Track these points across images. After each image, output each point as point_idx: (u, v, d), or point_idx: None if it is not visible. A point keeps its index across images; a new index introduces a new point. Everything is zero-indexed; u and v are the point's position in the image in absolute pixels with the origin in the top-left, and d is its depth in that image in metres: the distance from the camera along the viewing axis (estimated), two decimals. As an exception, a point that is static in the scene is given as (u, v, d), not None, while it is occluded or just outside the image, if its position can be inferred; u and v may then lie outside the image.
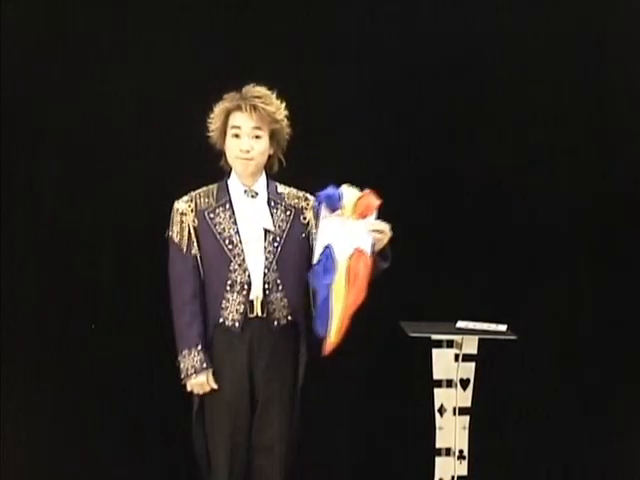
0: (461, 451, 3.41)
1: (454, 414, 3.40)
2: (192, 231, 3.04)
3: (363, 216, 2.89)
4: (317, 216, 2.94)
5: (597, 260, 3.94)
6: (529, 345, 3.71)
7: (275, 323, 3.05)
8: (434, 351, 3.40)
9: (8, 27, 3.71)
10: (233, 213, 3.05)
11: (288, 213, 3.09)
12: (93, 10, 3.76)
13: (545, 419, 3.97)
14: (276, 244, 3.04)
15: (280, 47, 3.79)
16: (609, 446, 3.96)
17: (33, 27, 3.74)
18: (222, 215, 3.05)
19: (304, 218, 3.11)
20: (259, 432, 3.07)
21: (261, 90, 3.02)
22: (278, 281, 3.04)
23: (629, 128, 3.95)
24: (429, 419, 3.44)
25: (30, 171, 3.77)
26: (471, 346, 3.38)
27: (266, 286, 3.03)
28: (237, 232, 3.03)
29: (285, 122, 3.06)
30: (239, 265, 3.01)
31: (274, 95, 3.03)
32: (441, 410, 3.42)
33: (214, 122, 3.05)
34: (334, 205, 2.89)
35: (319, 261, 2.85)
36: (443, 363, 3.40)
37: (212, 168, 3.12)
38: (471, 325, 3.44)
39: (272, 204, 3.08)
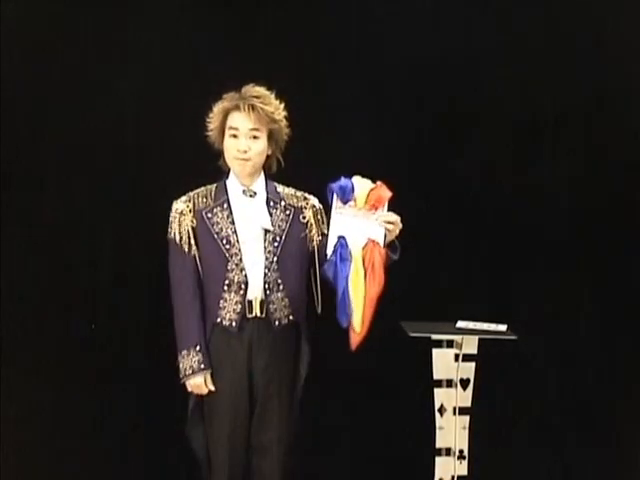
0: (461, 451, 3.41)
1: (454, 414, 3.41)
2: (190, 231, 3.04)
3: (375, 208, 2.93)
4: (329, 206, 2.96)
5: (597, 260, 3.94)
6: (529, 345, 3.71)
7: (276, 323, 3.05)
8: (434, 351, 3.40)
9: (8, 27, 3.71)
10: (231, 213, 3.05)
11: (287, 213, 3.09)
12: (93, 10, 3.76)
13: (545, 419, 3.97)
14: (276, 244, 3.04)
15: (280, 47, 3.79)
16: (609, 446, 3.96)
17: (33, 27, 3.75)
18: (220, 215, 3.05)
19: (303, 217, 3.11)
20: (258, 432, 3.08)
21: (260, 90, 3.03)
22: (279, 281, 3.04)
23: (629, 128, 3.95)
24: (429, 419, 3.44)
25: (30, 171, 3.77)
26: (471, 346, 3.38)
27: (267, 286, 3.03)
28: (235, 232, 3.03)
29: (284, 122, 3.06)
30: (236, 265, 3.01)
31: (273, 95, 3.04)
32: (441, 410, 3.42)
33: (212, 122, 3.06)
34: (346, 196, 2.92)
35: (334, 251, 2.87)
36: (443, 363, 3.40)
37: (212, 168, 3.13)
38: (471, 325, 3.45)
39: (271, 204, 3.08)
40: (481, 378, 3.40)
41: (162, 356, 3.28)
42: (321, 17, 3.85)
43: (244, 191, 3.07)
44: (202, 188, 3.11)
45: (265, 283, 3.03)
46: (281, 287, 3.05)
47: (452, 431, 3.41)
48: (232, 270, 3.01)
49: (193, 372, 3.03)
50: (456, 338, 3.39)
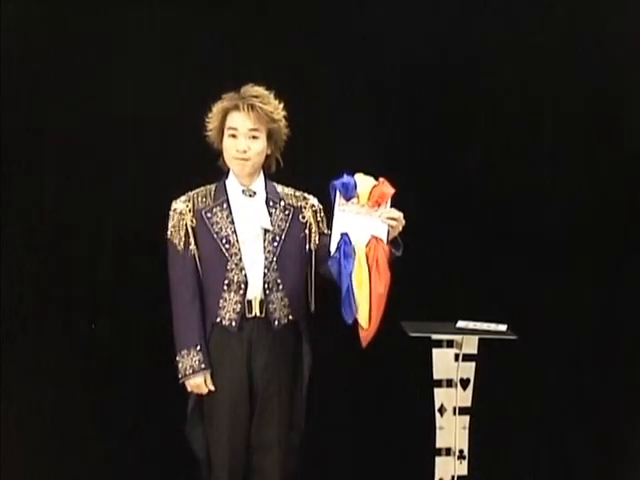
0: (461, 451, 3.41)
1: (454, 414, 3.41)
2: (190, 231, 3.04)
3: (378, 204, 2.94)
4: (332, 204, 2.96)
5: (597, 260, 3.94)
6: (529, 345, 3.71)
7: (276, 323, 3.05)
8: (434, 351, 3.40)
9: (8, 27, 3.71)
10: (230, 212, 3.05)
11: (287, 212, 3.09)
12: (93, 10, 3.76)
13: (545, 419, 3.97)
14: (276, 244, 3.04)
15: (279, 47, 3.78)
16: (609, 446, 3.96)
17: (33, 27, 3.75)
18: (219, 214, 3.05)
19: (303, 217, 3.11)
20: (258, 432, 3.08)
21: (259, 90, 3.03)
22: (278, 281, 3.04)
23: (629, 128, 3.95)
24: (429, 419, 3.44)
25: (30, 171, 3.77)
26: (471, 346, 3.38)
27: (266, 286, 3.03)
28: (234, 231, 3.03)
29: (283, 122, 3.06)
30: (236, 264, 3.01)
31: (272, 95, 3.04)
32: (441, 410, 3.42)
33: (212, 122, 3.06)
34: (349, 193, 2.93)
35: (338, 248, 2.88)
36: (443, 363, 3.40)
37: (211, 168, 3.12)
38: (471, 325, 3.45)
39: (270, 204, 3.08)
40: (481, 378, 3.40)
41: (162, 356, 3.27)
42: (321, 17, 3.85)
43: (243, 191, 3.07)
44: (201, 188, 3.11)
45: (265, 283, 3.03)
46: (281, 287, 3.05)
47: (452, 431, 3.41)
48: (232, 270, 3.01)
49: (193, 372, 3.03)
50: (456, 338, 3.39)
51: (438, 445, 3.42)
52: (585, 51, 3.92)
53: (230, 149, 3.03)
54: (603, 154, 3.94)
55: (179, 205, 3.07)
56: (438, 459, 3.42)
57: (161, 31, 3.80)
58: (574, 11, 3.91)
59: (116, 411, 3.80)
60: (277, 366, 3.07)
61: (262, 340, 3.04)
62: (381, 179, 2.96)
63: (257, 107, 2.97)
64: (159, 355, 3.41)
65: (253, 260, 3.03)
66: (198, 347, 3.02)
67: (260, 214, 3.06)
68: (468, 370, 3.40)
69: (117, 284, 3.82)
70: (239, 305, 3.02)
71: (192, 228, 3.04)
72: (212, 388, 3.05)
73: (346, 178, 2.94)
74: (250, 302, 3.02)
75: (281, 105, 3.05)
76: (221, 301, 3.02)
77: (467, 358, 3.39)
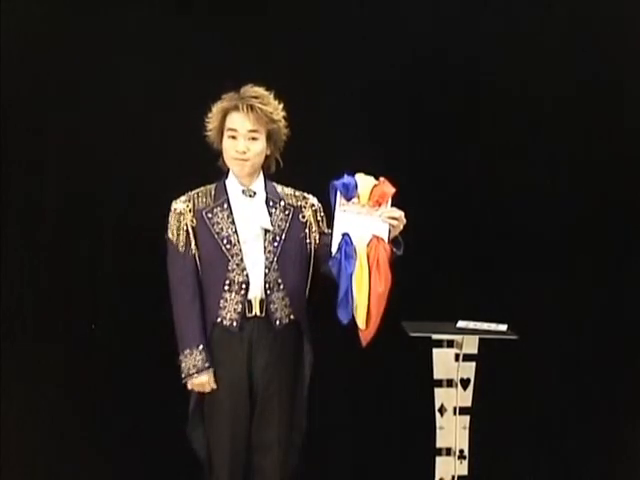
0: (461, 451, 3.41)
1: (454, 414, 3.41)
2: (190, 231, 3.03)
3: (378, 204, 2.93)
4: (333, 204, 2.95)
5: (597, 260, 3.94)
6: (529, 345, 3.71)
7: (276, 322, 3.05)
8: (434, 351, 3.41)
9: (8, 27, 3.71)
10: (231, 213, 3.05)
11: (287, 212, 3.09)
12: (93, 10, 3.76)
13: (545, 419, 3.97)
14: (276, 244, 3.04)
15: (279, 47, 3.78)
16: (609, 446, 3.96)
17: (33, 27, 3.75)
18: (220, 215, 3.05)
19: (303, 217, 3.11)
20: (259, 431, 3.07)
21: (259, 90, 3.02)
22: (279, 280, 3.04)
23: (630, 127, 3.95)
24: (429, 419, 3.44)
25: (30, 171, 3.77)
26: (471, 346, 3.38)
27: (267, 286, 3.03)
28: (235, 232, 3.03)
29: (282, 123, 3.05)
30: (237, 265, 3.01)
31: (272, 95, 3.03)
32: (441, 410, 3.42)
33: (211, 122, 3.05)
34: (350, 193, 2.92)
35: (339, 249, 2.88)
36: (443, 363, 3.40)
37: (211, 168, 3.12)
38: (471, 325, 3.45)
39: (270, 204, 3.08)
40: (481, 378, 3.40)
41: (162, 356, 3.27)
42: (321, 17, 3.85)
43: (244, 191, 3.07)
44: (201, 188, 3.11)
45: (265, 283, 3.03)
46: (281, 287, 3.05)
47: (452, 431, 3.41)
48: (233, 270, 3.01)
49: (197, 371, 3.02)
50: (456, 338, 3.39)
51: (438, 445, 3.42)
52: (585, 51, 3.92)
53: (230, 150, 3.02)
54: (603, 154, 3.94)
55: (179, 205, 3.07)
56: (438, 459, 3.43)
57: (161, 31, 3.80)
58: (574, 11, 3.92)
59: (116, 411, 3.79)
60: (278, 366, 3.07)
61: (263, 340, 3.04)
62: (381, 179, 2.96)
63: (256, 108, 2.97)
64: (159, 355, 3.42)
65: (254, 260, 3.02)
66: (201, 346, 3.02)
67: (260, 214, 3.05)
68: (468, 370, 3.40)
69: (117, 284, 3.82)
70: (240, 305, 3.01)
71: (192, 228, 3.04)
72: (215, 387, 3.04)
73: (346, 178, 2.94)
74: (250, 302, 3.02)
75: (281, 105, 3.04)
76: (222, 301, 3.02)
77: (467, 358, 3.39)
